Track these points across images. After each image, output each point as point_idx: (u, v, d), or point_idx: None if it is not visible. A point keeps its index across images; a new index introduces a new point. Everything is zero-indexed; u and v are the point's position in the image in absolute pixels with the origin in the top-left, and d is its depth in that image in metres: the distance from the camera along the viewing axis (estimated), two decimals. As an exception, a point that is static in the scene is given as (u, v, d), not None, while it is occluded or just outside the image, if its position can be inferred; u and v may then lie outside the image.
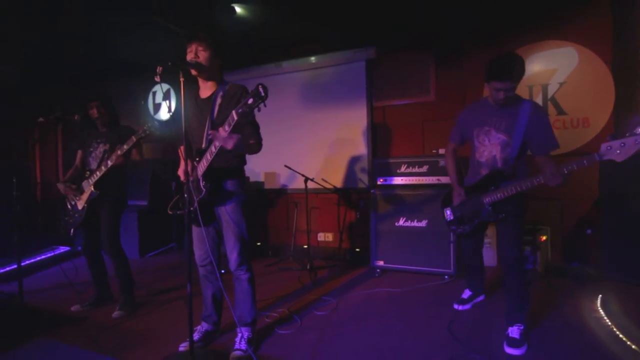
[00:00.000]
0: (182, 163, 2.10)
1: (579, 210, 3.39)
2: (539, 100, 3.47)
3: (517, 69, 1.96)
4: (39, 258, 4.22)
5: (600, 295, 2.65)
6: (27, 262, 4.06)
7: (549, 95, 3.44)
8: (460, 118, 2.35)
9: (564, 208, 3.45)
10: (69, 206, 2.72)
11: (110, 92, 4.36)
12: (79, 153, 2.85)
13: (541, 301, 2.65)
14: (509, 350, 1.99)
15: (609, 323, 2.28)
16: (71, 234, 2.63)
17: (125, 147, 2.46)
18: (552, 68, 3.43)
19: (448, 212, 2.41)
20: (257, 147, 1.98)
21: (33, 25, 3.74)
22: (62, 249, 4.66)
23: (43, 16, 3.52)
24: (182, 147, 2.13)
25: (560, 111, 3.41)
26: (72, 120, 2.68)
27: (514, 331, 2.06)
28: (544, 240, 3.36)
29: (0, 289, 3.23)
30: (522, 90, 3.51)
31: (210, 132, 1.77)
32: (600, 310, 2.47)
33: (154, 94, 5.47)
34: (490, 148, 2.13)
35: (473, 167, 2.28)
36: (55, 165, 6.06)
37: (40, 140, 5.82)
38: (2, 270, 3.71)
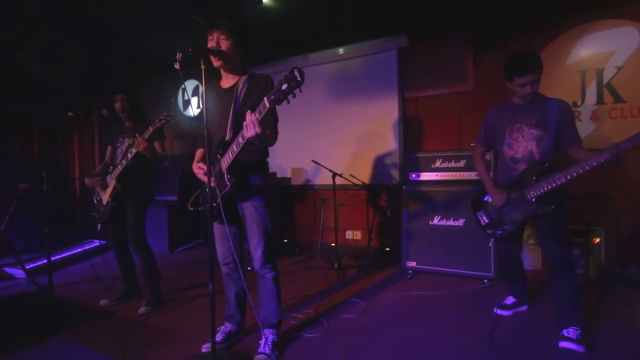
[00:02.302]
0: (196, 160, 2.04)
1: (638, 210, 3.03)
2: (592, 86, 3.13)
3: (535, 61, 2.00)
4: (75, 251, 4.36)
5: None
6: (63, 255, 4.20)
7: (605, 81, 3.09)
8: (488, 120, 2.31)
9: (619, 207, 3.10)
10: (95, 201, 2.74)
11: (141, 90, 4.40)
12: (109, 149, 2.86)
13: (596, 310, 2.38)
14: (565, 344, 1.89)
15: (681, 339, 1.99)
16: (98, 229, 2.65)
17: (145, 135, 2.41)
18: (609, 50, 3.07)
19: (483, 216, 2.28)
20: (272, 139, 1.86)
21: (68, 24, 3.83)
22: (97, 243, 4.80)
23: (77, 15, 3.59)
24: (199, 150, 2.07)
25: (618, 98, 3.05)
26: (100, 115, 2.68)
27: (569, 332, 1.94)
28: (597, 243, 3.03)
29: (37, 280, 3.36)
30: (574, 75, 3.19)
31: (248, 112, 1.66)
32: (668, 324, 2.18)
33: (184, 91, 5.52)
34: (525, 144, 2.11)
35: (505, 165, 2.21)
36: (92, 160, 6.29)
37: (79, 136, 6.06)
38: (40, 263, 3.84)
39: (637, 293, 2.67)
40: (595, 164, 1.81)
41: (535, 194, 2.02)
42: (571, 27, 3.19)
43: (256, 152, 1.94)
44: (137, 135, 2.41)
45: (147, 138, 2.42)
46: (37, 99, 5.48)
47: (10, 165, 4.78)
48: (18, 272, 3.58)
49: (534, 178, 2.03)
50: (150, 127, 2.39)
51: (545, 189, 1.97)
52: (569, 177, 1.90)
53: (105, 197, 2.64)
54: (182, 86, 5.47)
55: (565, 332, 1.95)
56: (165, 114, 2.37)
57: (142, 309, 2.60)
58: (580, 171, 1.86)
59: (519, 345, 1.99)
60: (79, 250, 4.38)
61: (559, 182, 1.93)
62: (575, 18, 3.17)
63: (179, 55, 1.55)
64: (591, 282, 2.89)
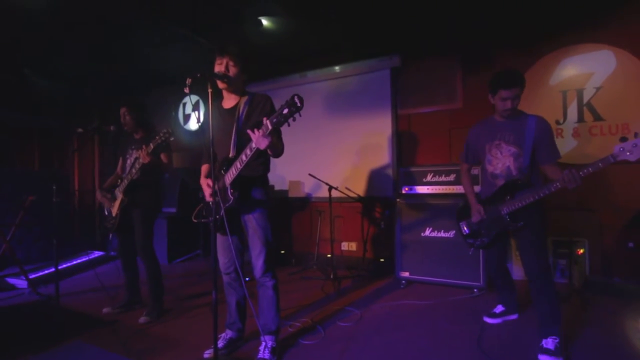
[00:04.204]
0: (203, 175, 2.16)
1: (620, 222, 3.19)
2: (573, 106, 3.32)
3: (520, 77, 2.11)
4: (75, 262, 4.42)
5: (646, 314, 2.47)
6: (64, 265, 4.26)
7: (585, 100, 3.28)
8: (470, 137, 2.44)
9: (603, 220, 3.25)
10: (106, 212, 2.85)
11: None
12: (120, 160, 2.97)
13: (579, 319, 2.50)
14: (543, 357, 1.93)
15: (657, 345, 2.12)
16: (109, 239, 2.75)
17: (150, 146, 2.52)
18: (588, 72, 3.28)
19: (464, 226, 2.44)
20: (281, 150, 2.00)
21: (72, 40, 3.99)
22: (97, 253, 4.87)
23: (81, 30, 3.74)
24: (204, 166, 2.20)
25: (597, 117, 3.24)
26: (108, 131, 2.81)
27: (548, 342, 2.00)
28: (581, 254, 3.17)
29: (39, 290, 3.42)
30: (555, 95, 3.38)
31: (248, 130, 1.79)
32: (646, 331, 2.30)
33: (184, 105, 5.67)
34: (503, 160, 2.21)
35: (486, 180, 2.33)
36: (92, 174, 6.38)
37: (79, 149, 6.15)
38: (41, 273, 3.91)
39: (620, 302, 2.78)
40: (553, 189, 1.94)
41: (507, 210, 2.13)
42: (553, 50, 3.40)
43: (259, 167, 2.07)
44: (143, 146, 2.52)
45: (151, 152, 2.53)
46: (40, 111, 5.59)
47: (14, 176, 4.87)
48: (20, 282, 3.64)
49: (508, 197, 2.14)
50: (150, 144, 2.51)
51: (517, 206, 2.09)
52: (537, 197, 2.01)
53: (115, 209, 2.75)
54: (184, 100, 5.63)
55: (544, 343, 2.00)
56: (164, 130, 2.47)
57: (142, 319, 2.67)
58: (547, 192, 1.98)
59: (505, 352, 2.10)
60: (78, 261, 4.45)
61: (528, 201, 2.04)
62: (556, 41, 3.39)
63: (188, 81, 1.68)
64: (576, 292, 3.01)
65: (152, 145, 2.50)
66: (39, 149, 6.09)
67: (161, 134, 2.48)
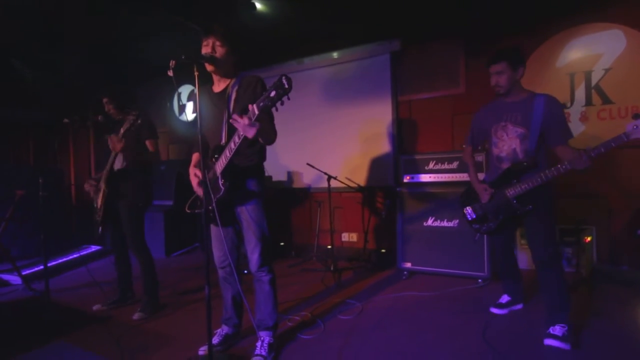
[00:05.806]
0: (192, 164, 2.06)
1: (628, 208, 3.09)
2: (581, 88, 3.19)
3: (504, 52, 2.08)
4: (71, 257, 4.35)
5: (657, 303, 2.39)
6: (59, 261, 4.20)
7: (593, 83, 3.15)
8: (476, 120, 2.38)
9: (611, 207, 3.15)
10: (95, 205, 2.74)
11: (138, 95, 4.34)
12: None
13: (587, 307, 2.43)
14: (550, 341, 1.90)
15: (670, 335, 2.04)
16: (99, 232, 2.65)
17: (120, 132, 2.42)
18: (596, 53, 3.14)
19: (469, 211, 2.35)
20: (273, 137, 1.88)
21: (65, 30, 3.85)
22: (94, 248, 4.80)
23: (73, 22, 3.61)
24: (195, 154, 2.09)
25: (606, 100, 3.11)
26: (96, 121, 2.70)
27: (555, 329, 1.96)
28: (589, 242, 3.08)
29: (33, 286, 3.36)
30: (562, 78, 3.25)
31: (233, 116, 1.64)
32: (658, 320, 2.22)
33: (179, 95, 5.54)
34: (509, 142, 2.14)
35: (492, 163, 2.26)
36: (88, 166, 6.28)
37: (65, 141, 6.04)
38: (36, 269, 3.84)
39: (628, 291, 2.71)
40: (562, 170, 1.90)
41: (514, 193, 2.07)
42: (560, 31, 3.26)
43: (253, 156, 1.96)
44: (112, 135, 2.40)
45: (123, 136, 2.41)
46: (33, 105, 5.48)
47: (6, 171, 4.77)
48: (14, 279, 3.58)
49: (514, 180, 2.08)
50: (121, 129, 2.39)
51: (524, 188, 2.03)
52: (545, 178, 1.95)
53: (99, 201, 2.64)
54: (177, 92, 5.50)
55: (551, 330, 1.97)
56: (133, 113, 2.36)
57: (136, 315, 2.58)
58: (555, 173, 1.92)
59: (511, 344, 2.02)
60: (75, 255, 4.38)
61: (536, 183, 1.98)
62: (563, 22, 3.24)
63: (172, 63, 1.57)
64: (583, 280, 2.93)
65: (122, 130, 2.38)
66: (34, 144, 5.99)
67: (126, 123, 2.36)
